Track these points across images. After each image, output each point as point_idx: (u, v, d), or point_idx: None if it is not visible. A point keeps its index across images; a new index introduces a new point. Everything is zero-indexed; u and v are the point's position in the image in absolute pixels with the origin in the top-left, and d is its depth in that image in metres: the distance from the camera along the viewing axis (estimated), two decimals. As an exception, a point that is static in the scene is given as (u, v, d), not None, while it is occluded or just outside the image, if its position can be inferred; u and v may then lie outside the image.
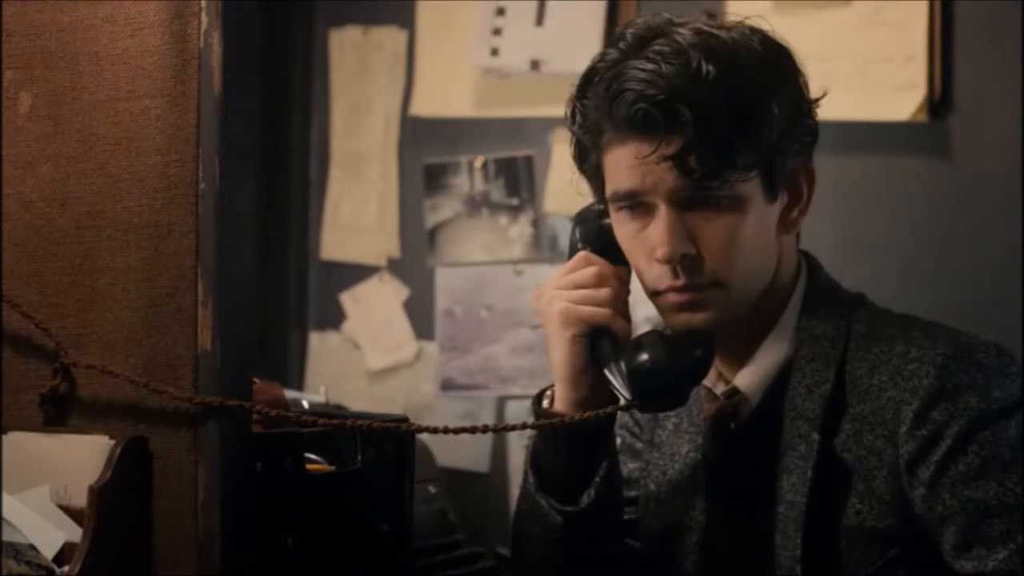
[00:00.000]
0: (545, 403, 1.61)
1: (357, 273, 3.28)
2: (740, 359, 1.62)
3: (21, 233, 1.51)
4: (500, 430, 1.52)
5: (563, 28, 2.98)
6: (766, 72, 1.53)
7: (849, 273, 1.73)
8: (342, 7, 3.31)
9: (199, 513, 1.41)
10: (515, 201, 3.08)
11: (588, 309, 1.57)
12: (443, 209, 3.15)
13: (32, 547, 1.41)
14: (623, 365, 1.53)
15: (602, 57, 1.56)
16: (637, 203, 1.54)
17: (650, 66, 1.49)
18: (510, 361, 3.06)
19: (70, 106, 1.49)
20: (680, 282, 1.53)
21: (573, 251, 1.63)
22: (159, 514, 1.43)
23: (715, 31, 1.52)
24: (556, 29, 2.99)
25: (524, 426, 1.53)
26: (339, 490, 1.56)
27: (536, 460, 1.62)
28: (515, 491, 1.72)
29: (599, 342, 1.56)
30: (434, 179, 3.16)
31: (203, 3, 1.42)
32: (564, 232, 2.91)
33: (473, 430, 1.48)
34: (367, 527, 1.59)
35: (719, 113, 1.48)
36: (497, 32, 3.05)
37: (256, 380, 1.54)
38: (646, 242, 1.54)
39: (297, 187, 3.35)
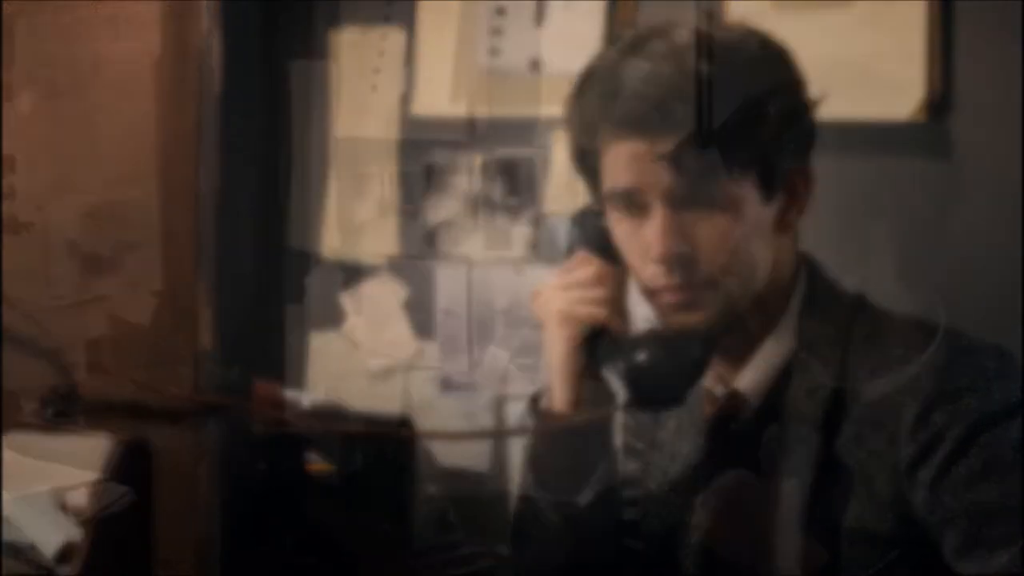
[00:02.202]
0: (543, 403, 1.61)
1: (357, 273, 3.28)
2: (740, 361, 1.61)
3: (21, 232, 1.51)
4: (499, 435, 1.52)
5: (563, 28, 2.98)
6: (763, 73, 1.53)
7: (849, 273, 1.73)
8: (342, 7, 3.31)
9: (199, 513, 1.41)
10: (515, 201, 3.08)
11: (585, 309, 1.57)
12: (443, 209, 3.15)
13: (32, 547, 1.41)
14: (620, 365, 1.53)
15: (600, 56, 1.56)
16: (632, 202, 1.54)
17: (647, 65, 1.50)
18: (510, 361, 3.06)
19: (70, 106, 1.49)
20: (675, 281, 1.53)
21: (571, 251, 1.63)
22: (159, 514, 1.43)
23: (713, 32, 1.52)
24: (556, 29, 2.99)
25: (523, 430, 1.52)
26: (339, 490, 1.57)
27: (534, 460, 1.62)
28: (515, 490, 1.72)
29: (596, 342, 1.56)
30: (434, 179, 3.16)
31: (203, 3, 1.43)
32: (564, 232, 2.91)
33: (472, 435, 1.48)
34: (367, 527, 1.59)
35: (715, 113, 1.49)
36: (497, 32, 3.05)
37: (256, 380, 1.54)
38: (641, 241, 1.54)
39: (297, 187, 3.35)
